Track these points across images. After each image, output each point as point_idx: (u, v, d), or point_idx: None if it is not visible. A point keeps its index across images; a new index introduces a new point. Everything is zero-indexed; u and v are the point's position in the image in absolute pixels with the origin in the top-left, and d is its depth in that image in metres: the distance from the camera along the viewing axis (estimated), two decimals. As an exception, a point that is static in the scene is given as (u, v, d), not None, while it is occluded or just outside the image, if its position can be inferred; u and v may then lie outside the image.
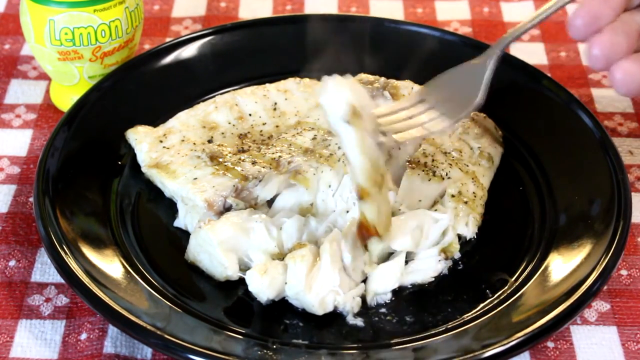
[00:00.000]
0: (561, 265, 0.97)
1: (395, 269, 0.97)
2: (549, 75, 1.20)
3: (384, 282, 0.96)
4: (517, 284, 0.97)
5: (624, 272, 1.02)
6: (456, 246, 1.00)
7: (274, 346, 0.90)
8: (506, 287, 0.97)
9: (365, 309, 0.95)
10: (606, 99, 1.26)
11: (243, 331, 0.92)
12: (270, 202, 1.03)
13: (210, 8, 1.43)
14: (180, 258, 1.00)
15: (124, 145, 1.11)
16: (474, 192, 1.04)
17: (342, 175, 1.03)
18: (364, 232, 0.95)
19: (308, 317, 0.94)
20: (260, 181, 1.02)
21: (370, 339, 0.92)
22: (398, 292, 0.97)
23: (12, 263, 1.01)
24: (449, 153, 1.07)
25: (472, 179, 1.05)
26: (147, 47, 1.35)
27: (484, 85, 0.99)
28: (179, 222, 1.04)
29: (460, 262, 1.00)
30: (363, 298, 0.96)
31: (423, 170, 1.03)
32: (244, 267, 0.98)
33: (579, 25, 0.96)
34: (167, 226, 1.04)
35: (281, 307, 0.95)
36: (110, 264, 0.97)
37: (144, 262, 0.99)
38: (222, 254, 0.96)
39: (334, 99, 0.91)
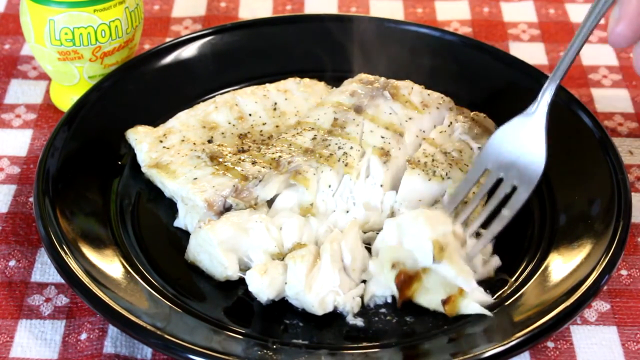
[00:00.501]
0: (561, 265, 0.97)
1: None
2: (549, 75, 1.20)
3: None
4: (517, 284, 0.97)
5: (624, 272, 1.02)
6: None
7: (274, 346, 0.90)
8: (506, 287, 0.97)
9: (365, 309, 0.95)
10: (606, 99, 1.26)
11: (243, 331, 0.92)
12: (270, 202, 1.03)
13: (210, 8, 1.43)
14: (180, 258, 1.00)
15: (124, 145, 1.11)
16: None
17: (342, 175, 1.03)
18: (405, 283, 0.93)
19: (308, 317, 0.94)
20: (260, 181, 1.02)
21: (370, 339, 0.92)
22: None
23: (12, 263, 1.01)
24: (449, 153, 1.07)
25: (472, 179, 1.05)
26: (147, 47, 1.35)
27: (545, 143, 0.97)
28: (179, 222, 1.04)
29: (460, 262, 1.00)
30: (363, 298, 0.96)
31: (423, 170, 1.03)
32: (244, 267, 0.98)
33: (621, 38, 0.95)
34: (167, 226, 1.04)
35: (281, 307, 0.95)
36: (110, 264, 0.97)
37: (144, 262, 0.99)
38: (222, 254, 0.96)
39: (417, 243, 0.92)
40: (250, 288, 0.94)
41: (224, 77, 1.22)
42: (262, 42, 1.25)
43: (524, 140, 0.98)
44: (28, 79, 1.28)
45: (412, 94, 1.12)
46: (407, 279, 0.93)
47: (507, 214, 0.96)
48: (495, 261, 0.98)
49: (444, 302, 0.92)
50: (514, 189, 0.97)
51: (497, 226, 0.96)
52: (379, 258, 0.96)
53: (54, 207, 0.99)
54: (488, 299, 0.94)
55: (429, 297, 0.93)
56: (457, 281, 0.92)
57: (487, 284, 0.97)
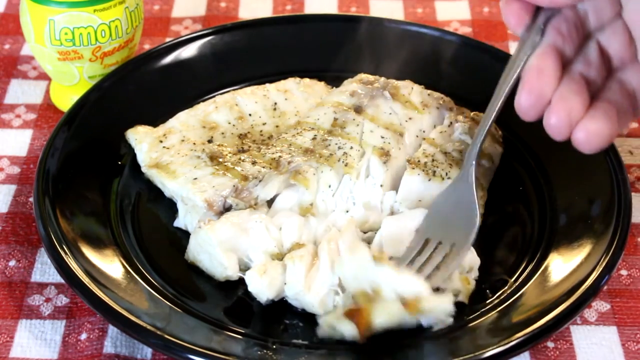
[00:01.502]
0: (561, 265, 0.97)
1: None
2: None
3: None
4: (517, 284, 0.97)
5: (624, 272, 1.02)
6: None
7: (274, 346, 0.90)
8: (506, 287, 0.97)
9: (365, 309, 0.96)
10: (606, 99, 1.26)
11: (243, 331, 0.92)
12: (270, 202, 1.03)
13: (210, 8, 1.43)
14: (180, 258, 1.00)
15: (124, 145, 1.11)
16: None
17: (342, 175, 1.03)
18: (357, 313, 0.91)
19: (308, 317, 0.94)
20: (260, 181, 1.02)
21: (370, 338, 0.92)
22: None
23: (12, 263, 1.01)
24: (449, 153, 1.07)
25: (472, 179, 1.05)
26: (147, 47, 1.35)
27: (476, 201, 0.97)
28: (179, 222, 1.04)
29: (460, 262, 1.00)
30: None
31: (423, 170, 1.03)
32: (244, 267, 0.98)
33: (527, 108, 0.90)
34: (167, 226, 1.04)
35: (281, 307, 0.95)
36: (110, 264, 0.97)
37: (144, 262, 0.99)
38: (222, 254, 0.96)
39: (357, 268, 0.91)
40: (250, 288, 0.94)
41: (224, 77, 1.22)
42: (262, 42, 1.25)
43: (458, 203, 0.98)
44: (28, 79, 1.28)
45: (412, 94, 1.12)
46: (356, 310, 0.91)
47: (450, 268, 0.94)
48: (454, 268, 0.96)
49: (404, 304, 0.89)
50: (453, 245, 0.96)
51: (440, 278, 0.94)
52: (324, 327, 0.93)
53: (54, 207, 0.99)
54: (449, 297, 0.92)
55: (386, 311, 0.90)
56: (403, 287, 0.89)
57: (487, 283, 0.97)
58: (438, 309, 0.91)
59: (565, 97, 0.88)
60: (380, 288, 0.90)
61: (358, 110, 1.09)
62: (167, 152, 1.07)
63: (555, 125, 0.88)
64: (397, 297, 0.90)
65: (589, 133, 0.87)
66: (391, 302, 0.90)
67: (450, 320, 0.91)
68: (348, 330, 0.90)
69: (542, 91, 0.88)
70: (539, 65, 0.89)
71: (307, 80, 1.19)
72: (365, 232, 1.02)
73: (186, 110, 1.14)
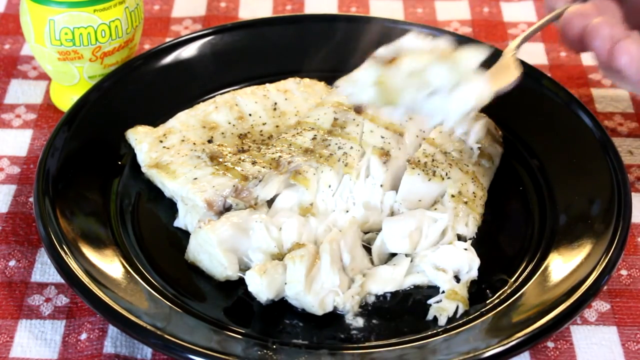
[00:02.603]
0: (561, 265, 0.97)
1: (395, 275, 0.97)
2: (549, 75, 1.20)
3: (382, 284, 0.97)
4: (517, 284, 0.97)
5: (624, 272, 1.02)
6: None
7: (274, 346, 0.90)
8: (506, 287, 0.97)
9: (365, 309, 0.95)
10: (606, 99, 1.26)
11: (243, 331, 0.92)
12: (270, 202, 1.03)
13: (210, 8, 1.43)
14: (180, 258, 1.00)
15: (124, 145, 1.11)
16: (474, 192, 1.04)
17: (342, 175, 1.03)
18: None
19: (308, 317, 0.94)
20: (260, 181, 1.02)
21: (370, 339, 0.92)
22: (398, 291, 0.97)
23: (12, 263, 1.01)
24: (449, 153, 1.07)
25: (472, 179, 1.05)
26: (147, 47, 1.35)
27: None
28: (179, 222, 1.04)
29: (460, 262, 1.00)
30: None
31: (423, 170, 1.03)
32: (244, 267, 0.98)
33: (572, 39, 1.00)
34: (167, 226, 1.04)
35: (281, 307, 0.95)
36: (110, 264, 0.97)
37: (144, 262, 0.99)
38: (222, 254, 0.96)
39: None
40: (250, 288, 0.94)
41: (224, 77, 1.22)
42: (262, 42, 1.25)
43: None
44: (28, 79, 1.28)
45: (412, 94, 1.12)
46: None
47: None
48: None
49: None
50: None
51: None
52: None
53: (54, 207, 0.99)
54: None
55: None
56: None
57: (487, 283, 0.98)
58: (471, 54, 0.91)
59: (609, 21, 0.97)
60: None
61: (358, 110, 1.09)
62: (167, 152, 1.07)
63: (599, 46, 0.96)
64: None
65: (631, 55, 0.94)
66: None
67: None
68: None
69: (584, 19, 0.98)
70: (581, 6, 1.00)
71: (307, 80, 1.19)
72: (365, 232, 1.02)
73: (186, 110, 1.14)
